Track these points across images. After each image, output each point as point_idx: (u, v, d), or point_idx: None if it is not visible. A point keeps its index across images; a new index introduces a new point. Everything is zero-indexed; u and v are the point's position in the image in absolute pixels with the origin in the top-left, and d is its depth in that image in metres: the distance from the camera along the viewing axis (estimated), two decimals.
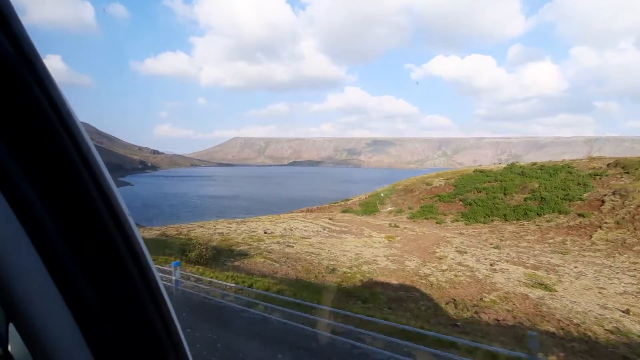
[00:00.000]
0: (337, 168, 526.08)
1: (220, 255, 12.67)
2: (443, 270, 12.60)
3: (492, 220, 23.18)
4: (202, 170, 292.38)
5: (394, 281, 11.13)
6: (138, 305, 0.64)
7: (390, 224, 22.54)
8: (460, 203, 27.69)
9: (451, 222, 24.95)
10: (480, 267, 13.21)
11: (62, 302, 0.57)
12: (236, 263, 12.02)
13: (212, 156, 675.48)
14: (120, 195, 0.62)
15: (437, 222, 25.16)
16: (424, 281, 11.29)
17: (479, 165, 41.05)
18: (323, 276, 11.21)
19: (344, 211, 34.67)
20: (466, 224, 23.72)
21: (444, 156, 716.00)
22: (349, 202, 38.34)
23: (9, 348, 0.62)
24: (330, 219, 24.29)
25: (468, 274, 12.29)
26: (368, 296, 9.79)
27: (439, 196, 30.10)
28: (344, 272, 11.70)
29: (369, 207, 33.53)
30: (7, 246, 0.52)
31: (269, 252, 13.52)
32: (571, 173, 26.36)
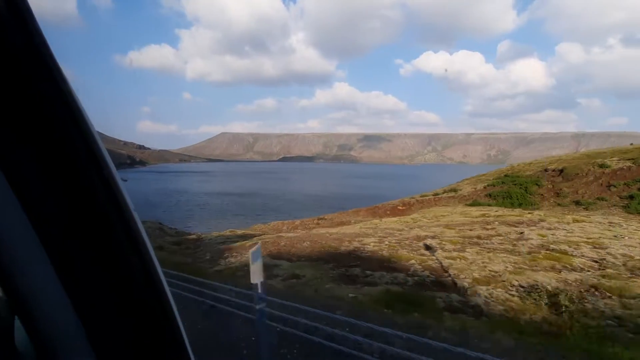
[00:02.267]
0: (333, 164, 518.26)
1: None
2: None
3: None
4: (194, 166, 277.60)
5: None
6: (141, 302, 0.63)
7: None
8: None
9: None
10: None
11: (66, 296, 0.56)
12: None
13: (199, 152, 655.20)
14: (126, 191, 0.60)
15: None
16: None
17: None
18: None
19: (470, 205, 24.37)
20: None
21: (434, 151, 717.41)
22: (461, 194, 28.09)
23: (15, 342, 0.61)
24: (574, 219, 13.97)
25: None
26: None
27: None
28: None
29: (514, 199, 23.36)
30: (13, 240, 0.51)
31: None
32: None
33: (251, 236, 16.64)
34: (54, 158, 0.52)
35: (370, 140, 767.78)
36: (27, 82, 0.48)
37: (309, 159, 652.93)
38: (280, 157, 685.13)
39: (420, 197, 31.27)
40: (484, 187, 27.86)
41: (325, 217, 33.13)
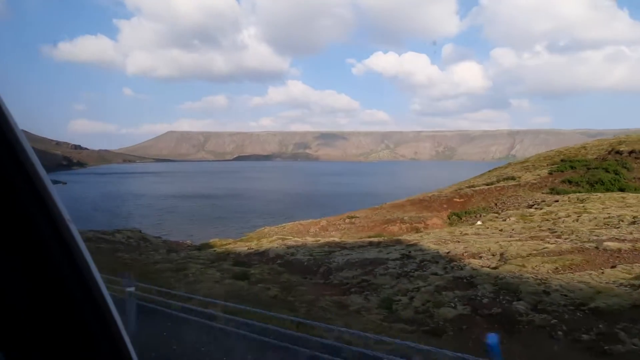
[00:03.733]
0: (292, 162, 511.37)
1: None
2: None
3: None
4: (141, 166, 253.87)
5: None
6: (79, 321, 0.56)
7: None
8: None
9: None
10: None
11: None
12: None
13: (144, 152, 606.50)
14: (59, 197, 0.53)
15: None
16: None
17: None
18: None
19: (549, 192, 20.58)
20: None
21: (387, 149, 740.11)
22: (525, 182, 24.35)
23: None
24: None
25: None
26: None
27: None
28: None
29: (607, 184, 19.94)
30: None
31: None
32: None
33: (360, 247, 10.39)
34: None
35: (326, 138, 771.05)
36: None
37: (266, 157, 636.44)
38: (235, 156, 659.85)
39: (468, 187, 26.91)
40: (549, 174, 24.18)
41: (357, 215, 27.30)
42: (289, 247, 12.04)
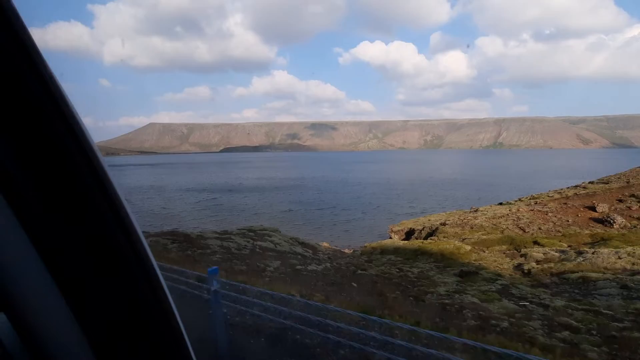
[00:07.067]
0: (284, 153, 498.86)
1: None
2: None
3: None
4: (130, 159, 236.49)
5: None
6: (137, 298, 0.62)
7: None
8: None
9: None
10: None
11: (59, 293, 0.55)
12: None
13: (125, 144, 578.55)
14: (117, 182, 0.58)
15: None
16: None
17: None
18: None
19: None
20: None
21: (376, 138, 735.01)
22: None
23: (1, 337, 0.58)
24: None
25: None
26: None
27: None
28: None
29: None
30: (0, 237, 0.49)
31: None
32: None
33: None
34: (41, 153, 0.50)
35: (316, 128, 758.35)
36: (14, 79, 0.46)
37: (255, 148, 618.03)
38: (221, 148, 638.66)
39: None
40: None
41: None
42: None
